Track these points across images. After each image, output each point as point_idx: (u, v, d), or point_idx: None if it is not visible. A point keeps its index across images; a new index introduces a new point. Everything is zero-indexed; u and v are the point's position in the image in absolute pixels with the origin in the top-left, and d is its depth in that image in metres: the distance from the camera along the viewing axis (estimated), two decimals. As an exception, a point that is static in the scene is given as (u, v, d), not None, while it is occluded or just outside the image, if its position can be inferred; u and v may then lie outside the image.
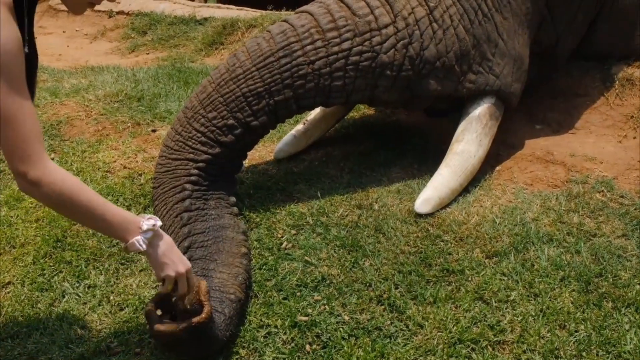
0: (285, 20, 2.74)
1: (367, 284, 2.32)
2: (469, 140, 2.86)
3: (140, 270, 2.49)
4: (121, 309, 2.33)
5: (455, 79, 2.82)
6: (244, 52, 2.67)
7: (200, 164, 2.55)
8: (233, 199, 2.62)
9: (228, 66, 2.65)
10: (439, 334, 2.11)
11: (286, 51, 2.61)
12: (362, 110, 3.69)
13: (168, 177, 2.53)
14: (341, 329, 2.15)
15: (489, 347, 2.06)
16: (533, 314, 2.16)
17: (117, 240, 2.61)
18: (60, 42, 6.82)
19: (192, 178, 2.51)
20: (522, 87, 3.06)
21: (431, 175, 2.81)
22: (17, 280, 2.49)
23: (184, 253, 2.29)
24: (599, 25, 3.54)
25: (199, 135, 2.58)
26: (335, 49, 2.64)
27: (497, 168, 3.06)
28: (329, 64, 2.64)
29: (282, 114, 2.70)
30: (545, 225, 2.58)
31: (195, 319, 1.93)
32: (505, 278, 2.32)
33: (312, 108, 2.87)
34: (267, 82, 2.61)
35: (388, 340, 2.12)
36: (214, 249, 2.34)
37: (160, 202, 2.51)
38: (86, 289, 2.43)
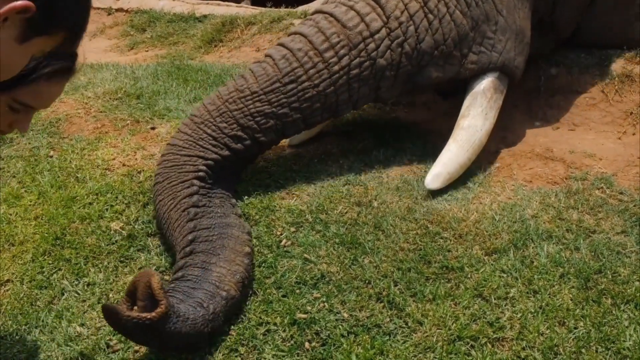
0: (281, 44, 2.83)
1: (367, 282, 2.32)
2: (475, 115, 2.92)
3: (140, 268, 2.49)
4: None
5: (457, 63, 2.89)
6: (251, 75, 2.76)
7: (209, 162, 2.60)
8: (234, 200, 2.65)
9: (237, 85, 2.74)
10: (438, 331, 2.11)
11: (291, 77, 2.71)
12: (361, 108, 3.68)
13: (176, 172, 2.56)
14: (340, 326, 2.15)
15: (488, 344, 2.06)
16: (532, 310, 2.16)
17: (116, 239, 2.62)
18: (59, 39, 6.80)
19: (200, 174, 2.55)
20: (525, 59, 3.12)
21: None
22: (16, 277, 2.49)
23: (187, 246, 2.30)
24: (595, 11, 3.58)
25: (209, 138, 2.66)
26: (336, 68, 2.73)
27: (497, 165, 3.05)
28: (332, 84, 2.74)
29: (290, 132, 2.82)
30: (544, 222, 2.58)
31: (144, 314, 1.91)
32: (505, 275, 2.32)
33: (320, 123, 2.97)
34: (274, 105, 2.70)
35: (387, 337, 2.11)
36: (219, 245, 2.35)
37: (166, 196, 2.52)
38: (85, 287, 2.43)
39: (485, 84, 2.96)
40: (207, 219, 2.43)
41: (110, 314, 1.93)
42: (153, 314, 1.92)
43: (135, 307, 1.97)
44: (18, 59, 1.42)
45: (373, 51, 2.75)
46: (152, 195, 2.68)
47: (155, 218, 2.64)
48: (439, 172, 2.78)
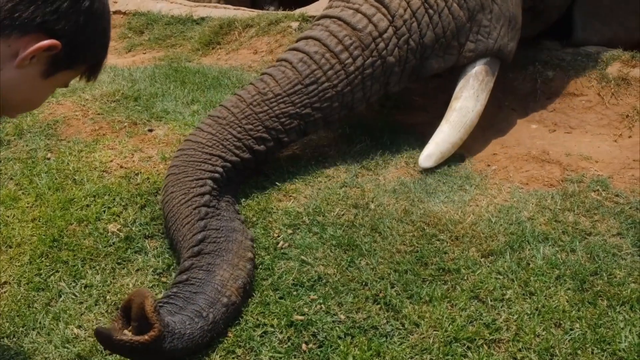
0: (295, 49, 2.93)
1: (363, 283, 2.33)
2: (467, 97, 3.08)
3: (137, 270, 2.50)
4: (118, 309, 2.33)
5: (456, 53, 3.05)
6: (271, 78, 2.85)
7: (227, 164, 2.66)
8: (237, 206, 2.67)
9: (258, 89, 2.83)
10: (435, 332, 2.12)
11: (312, 79, 2.83)
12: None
13: (193, 168, 2.59)
14: (337, 328, 2.16)
15: (484, 345, 2.07)
16: (528, 312, 2.17)
17: (114, 240, 2.62)
18: (57, 41, 6.80)
19: (216, 175, 2.60)
20: (516, 44, 3.28)
21: (427, 174, 2.82)
22: (13, 279, 2.49)
23: (196, 245, 2.33)
24: (577, 9, 3.74)
25: (234, 139, 2.72)
26: (352, 68, 2.87)
27: (493, 167, 3.07)
28: (349, 84, 2.88)
29: (310, 131, 2.96)
30: (540, 224, 2.59)
31: (137, 338, 1.89)
32: (501, 277, 2.33)
33: (338, 122, 3.14)
34: (298, 106, 2.82)
35: (384, 339, 2.12)
36: (224, 247, 2.37)
37: (178, 189, 2.54)
38: (83, 289, 2.43)
39: (478, 67, 3.12)
40: (216, 220, 2.45)
41: (103, 337, 1.93)
42: (146, 337, 1.89)
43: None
44: (42, 93, 1.52)
45: (383, 50, 2.90)
46: (162, 185, 2.68)
47: (162, 210, 2.62)
48: (431, 151, 2.96)
